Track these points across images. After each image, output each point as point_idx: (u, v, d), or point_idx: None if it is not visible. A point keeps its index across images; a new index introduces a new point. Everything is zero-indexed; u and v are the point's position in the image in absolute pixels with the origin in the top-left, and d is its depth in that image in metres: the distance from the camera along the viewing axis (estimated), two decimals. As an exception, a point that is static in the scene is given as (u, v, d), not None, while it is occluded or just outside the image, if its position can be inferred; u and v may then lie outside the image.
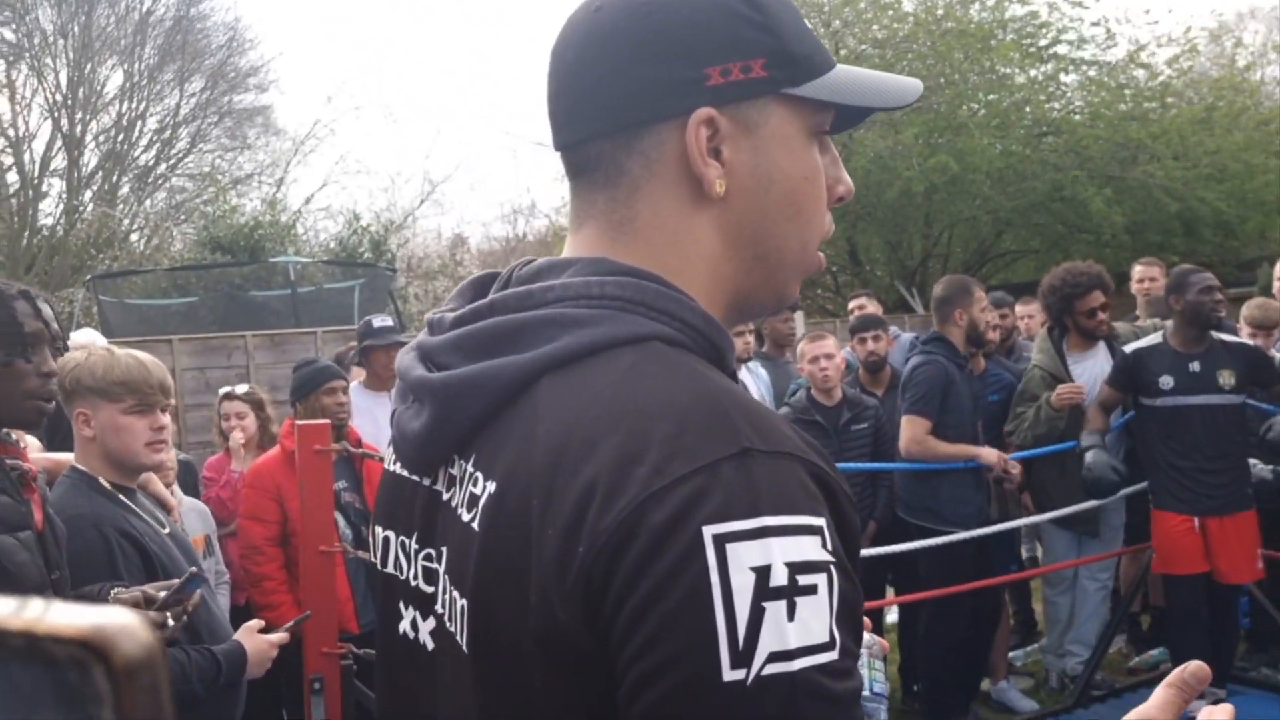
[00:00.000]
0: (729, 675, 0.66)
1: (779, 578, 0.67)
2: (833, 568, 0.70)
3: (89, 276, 13.58)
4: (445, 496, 0.87)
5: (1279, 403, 4.49)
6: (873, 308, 6.15)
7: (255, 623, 2.52)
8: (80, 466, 2.34)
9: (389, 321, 5.06)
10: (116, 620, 0.24)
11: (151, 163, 23.22)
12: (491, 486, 0.79)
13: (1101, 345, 4.81)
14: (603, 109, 0.86)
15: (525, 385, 0.80)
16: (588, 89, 0.87)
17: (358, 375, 5.76)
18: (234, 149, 24.34)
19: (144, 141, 23.16)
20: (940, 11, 14.67)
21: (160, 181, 23.22)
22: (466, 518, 0.81)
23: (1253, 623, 5.27)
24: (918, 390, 4.39)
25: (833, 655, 0.68)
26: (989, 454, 4.39)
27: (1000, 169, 13.55)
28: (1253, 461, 4.48)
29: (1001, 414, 4.86)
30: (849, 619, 0.71)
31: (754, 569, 0.67)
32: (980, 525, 4.43)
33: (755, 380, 5.29)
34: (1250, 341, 4.80)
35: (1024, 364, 5.07)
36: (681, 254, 0.87)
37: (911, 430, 4.37)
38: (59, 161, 21.32)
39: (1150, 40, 14.93)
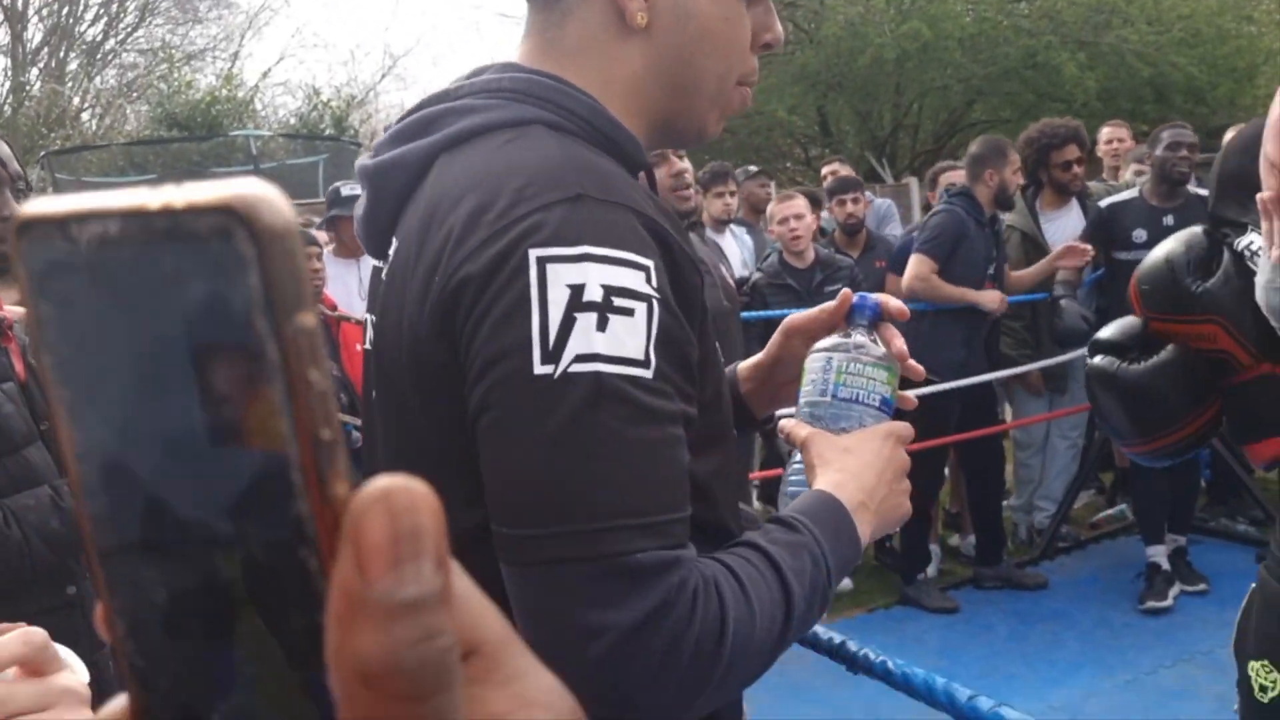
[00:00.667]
0: (539, 369, 0.79)
1: (592, 294, 0.80)
2: (655, 302, 0.83)
3: (43, 153, 13.24)
4: (384, 272, 1.00)
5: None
6: (845, 172, 6.13)
7: None
8: None
9: (358, 190, 4.97)
10: (255, 189, 0.24)
11: (99, 38, 22.41)
12: (396, 244, 0.96)
13: (1074, 204, 4.85)
14: None
15: (427, 165, 0.95)
16: None
17: (326, 244, 5.69)
18: (185, 22, 23.50)
19: (90, 15, 22.32)
20: None
21: (110, 58, 22.46)
22: (384, 272, 0.98)
23: (1213, 474, 5.44)
24: (930, 233, 4.45)
25: (645, 372, 0.81)
26: (990, 297, 4.42)
27: (973, 35, 13.34)
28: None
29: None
30: (674, 354, 0.84)
31: (570, 285, 0.80)
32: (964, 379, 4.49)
33: (739, 245, 5.29)
34: None
35: None
36: (604, 73, 0.98)
37: (917, 268, 4.40)
38: (1, 36, 20.54)
39: (1127, -100, 14.57)
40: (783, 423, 1.11)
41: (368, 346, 1.03)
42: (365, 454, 1.06)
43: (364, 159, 1.03)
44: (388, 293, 0.94)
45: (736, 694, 0.94)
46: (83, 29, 22.05)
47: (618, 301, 0.80)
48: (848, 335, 1.12)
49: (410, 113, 1.00)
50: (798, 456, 1.10)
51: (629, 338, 0.80)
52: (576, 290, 0.80)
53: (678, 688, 0.79)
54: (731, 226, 5.41)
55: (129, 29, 22.76)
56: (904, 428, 1.06)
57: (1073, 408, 4.97)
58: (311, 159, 12.23)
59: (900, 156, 16.07)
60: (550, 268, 0.80)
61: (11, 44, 20.46)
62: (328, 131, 14.94)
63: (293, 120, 17.15)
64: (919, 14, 12.98)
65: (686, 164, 3.70)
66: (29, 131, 17.06)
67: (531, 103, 0.94)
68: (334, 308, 4.17)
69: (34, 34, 21.40)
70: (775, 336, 1.21)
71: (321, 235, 5.07)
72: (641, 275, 0.82)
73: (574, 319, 0.80)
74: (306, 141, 13.42)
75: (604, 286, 0.80)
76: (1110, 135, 6.01)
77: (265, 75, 21.01)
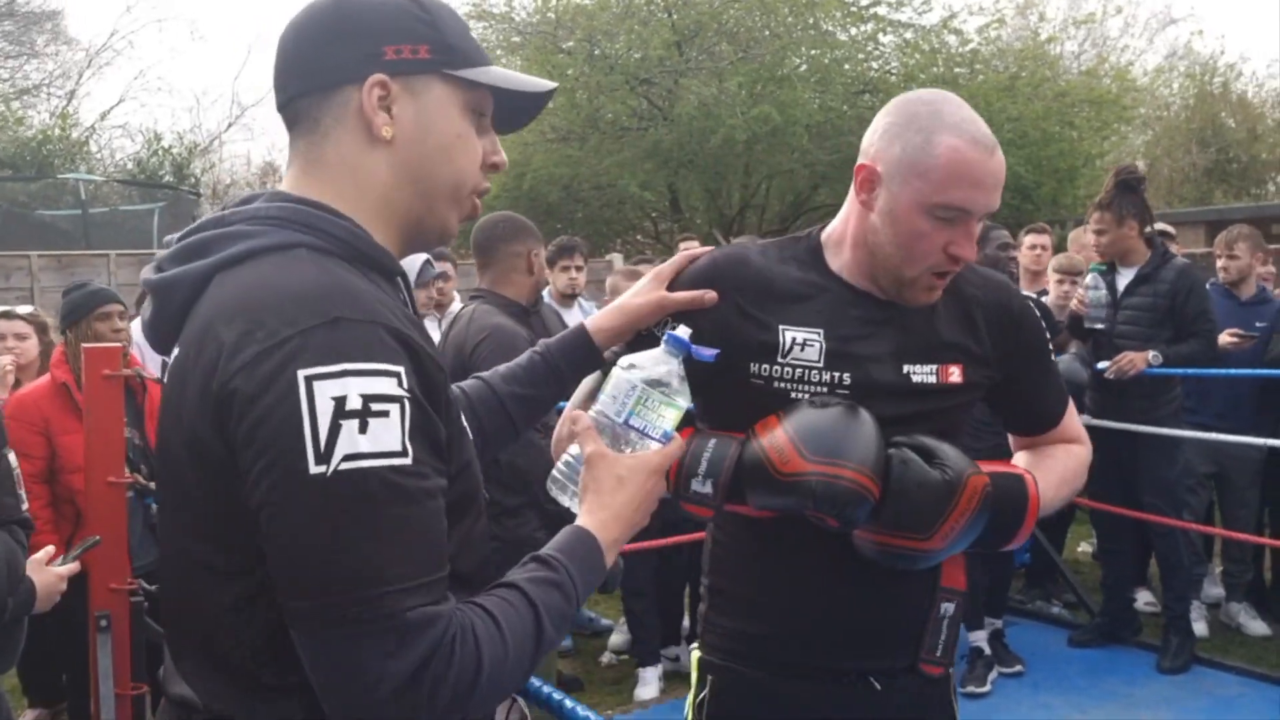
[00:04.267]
0: (314, 470, 0.96)
1: (353, 403, 0.97)
2: (406, 401, 1.00)
3: None
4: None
5: (1061, 352, 4.76)
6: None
7: (44, 552, 2.33)
8: None
9: None
10: None
11: (-76, 65, 21.19)
12: (176, 352, 1.11)
13: None
14: (306, 75, 1.16)
15: (205, 283, 1.09)
16: (297, 59, 1.17)
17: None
18: (18, 55, 22.44)
19: (-85, 41, 21.11)
20: (768, -36, 14.81)
21: (-67, 86, 21.22)
22: (168, 371, 1.13)
23: (1032, 559, 5.65)
24: None
25: (404, 460, 0.99)
26: None
27: (819, 123, 13.86)
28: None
29: None
30: (426, 440, 1.02)
31: (334, 398, 0.96)
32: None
33: (584, 316, 5.30)
34: (1060, 288, 5.16)
35: None
36: (357, 185, 1.16)
37: None
38: None
39: (962, 8, 15.54)
40: (575, 413, 1.42)
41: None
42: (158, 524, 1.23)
43: (148, 272, 1.17)
44: (168, 390, 1.11)
45: (494, 706, 1.16)
46: (-96, 55, 20.83)
47: (375, 406, 0.98)
48: (663, 365, 1.34)
49: (189, 233, 1.16)
50: (576, 450, 1.31)
51: (386, 434, 0.98)
52: (339, 401, 0.97)
53: (444, 713, 1.00)
54: (580, 300, 5.40)
55: (-44, 59, 21.62)
56: (667, 459, 1.31)
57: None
58: (147, 206, 11.72)
59: (747, 234, 16.48)
60: (316, 384, 0.97)
61: None
62: (167, 179, 14.40)
63: (130, 165, 16.47)
64: (770, 99, 13.43)
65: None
66: None
67: (294, 229, 1.10)
68: (143, 368, 3.95)
69: None
70: (650, 285, 1.65)
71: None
72: (393, 380, 1.00)
73: (339, 425, 0.96)
74: (143, 189, 12.87)
75: (362, 395, 0.98)
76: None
77: (104, 117, 20.11)
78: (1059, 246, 7.89)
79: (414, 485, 0.99)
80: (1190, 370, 4.63)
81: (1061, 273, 5.32)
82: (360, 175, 1.16)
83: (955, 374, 1.63)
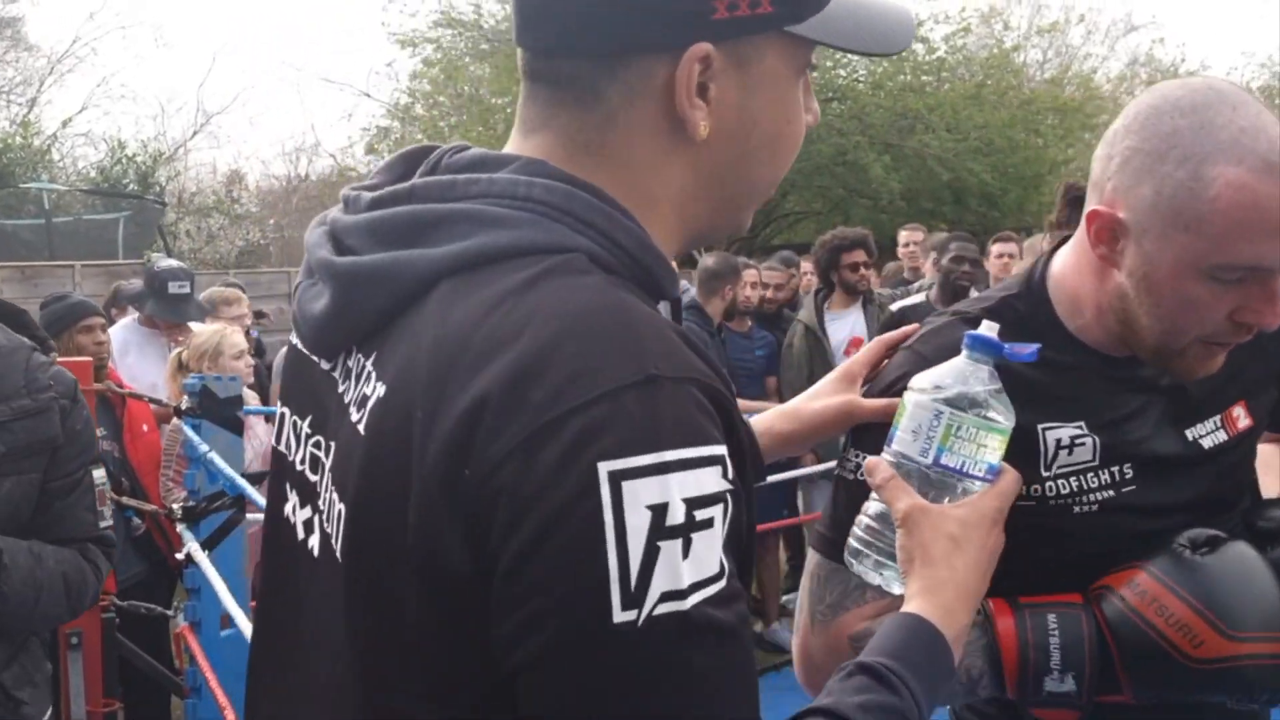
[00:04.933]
0: (620, 617, 0.63)
1: (676, 515, 0.64)
2: (729, 496, 0.68)
3: None
4: (340, 389, 0.81)
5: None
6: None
7: None
8: None
9: (185, 289, 4.61)
10: None
11: (-118, 72, 20.89)
12: (381, 390, 0.74)
13: (859, 306, 5.18)
14: (589, 27, 0.78)
15: (431, 283, 0.74)
16: (574, 3, 0.78)
17: (124, 312, 5.38)
18: (-20, 63, 22.17)
19: (-127, 48, 20.80)
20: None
21: (-109, 93, 20.92)
22: (355, 418, 0.76)
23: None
24: None
25: (722, 584, 0.66)
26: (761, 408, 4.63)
27: (787, 131, 13.96)
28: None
29: (767, 368, 5.33)
30: (738, 546, 0.70)
31: (650, 507, 0.64)
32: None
33: None
34: None
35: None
36: (646, 190, 0.81)
37: None
38: None
39: (928, 17, 15.63)
40: (871, 462, 1.01)
41: (310, 474, 0.85)
42: (280, 595, 0.88)
43: (323, 251, 0.82)
44: (371, 447, 0.74)
45: None
46: None
47: (699, 515, 0.65)
48: (974, 381, 0.98)
49: (393, 195, 0.81)
50: (878, 505, 1.00)
51: (708, 554, 0.66)
52: (659, 512, 0.64)
53: None
54: None
55: (-85, 65, 21.32)
56: (1007, 498, 0.97)
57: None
58: (112, 216, 11.58)
59: (716, 242, 16.51)
60: (627, 486, 0.63)
61: None
62: (131, 187, 14.25)
63: (93, 174, 16.30)
64: (738, 107, 13.50)
65: None
66: None
67: (571, 224, 0.75)
68: (121, 384, 3.91)
69: None
70: (835, 385, 1.25)
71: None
72: (718, 470, 0.67)
73: (658, 549, 0.64)
74: (107, 198, 12.74)
75: (686, 501, 0.65)
76: (906, 239, 6.43)
77: (66, 124, 19.89)
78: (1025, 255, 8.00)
79: (727, 618, 0.67)
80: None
81: None
82: (652, 180, 0.82)
83: (1242, 416, 1.26)
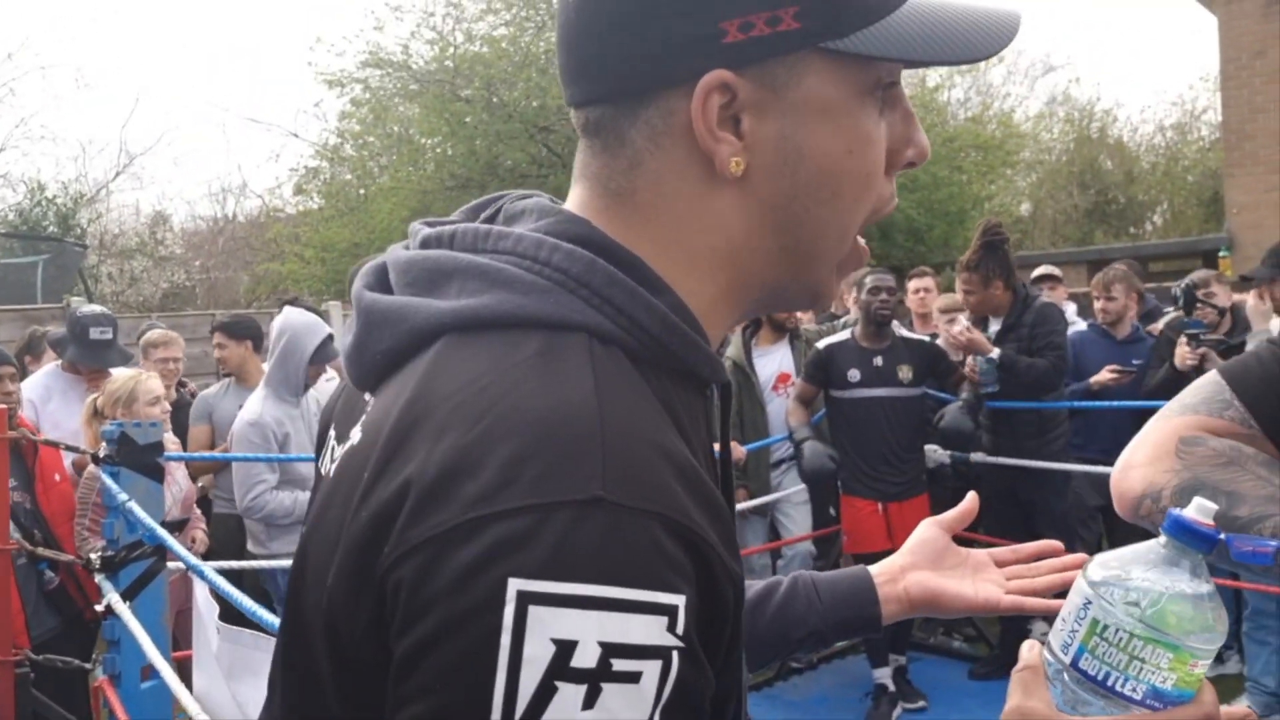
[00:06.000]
0: None
1: (585, 658, 0.57)
2: (675, 654, 0.59)
3: None
4: (353, 423, 0.76)
5: (957, 393, 4.91)
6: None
7: None
8: None
9: (107, 334, 4.54)
10: None
11: None
12: (357, 437, 0.71)
13: (785, 342, 5.25)
14: (604, 71, 0.74)
15: (430, 336, 0.70)
16: (588, 47, 0.74)
17: (40, 360, 5.27)
18: (-108, 104, 21.64)
19: None
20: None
21: None
22: (339, 452, 0.74)
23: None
24: None
25: None
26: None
27: (717, 170, 14.10)
28: (932, 448, 4.88)
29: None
30: (686, 710, 0.60)
31: (555, 640, 0.56)
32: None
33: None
34: (951, 328, 5.31)
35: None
36: (687, 242, 0.75)
37: None
38: None
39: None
40: (1029, 648, 0.84)
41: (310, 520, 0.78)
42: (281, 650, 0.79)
43: (360, 284, 0.78)
44: (329, 491, 0.71)
45: None
46: None
47: (618, 665, 0.57)
48: (1151, 564, 0.77)
49: (435, 235, 0.78)
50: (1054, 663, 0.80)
51: (626, 713, 0.57)
52: (564, 649, 0.57)
53: None
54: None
55: None
56: None
57: (792, 538, 5.25)
58: (30, 259, 11.31)
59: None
60: (533, 611, 0.57)
61: None
62: (51, 230, 13.96)
63: (11, 216, 15.93)
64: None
65: None
66: None
67: (586, 296, 0.69)
68: (35, 431, 3.81)
69: None
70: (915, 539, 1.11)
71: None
72: (661, 621, 0.59)
73: (553, 689, 0.57)
74: (26, 240, 12.45)
75: (603, 645, 0.57)
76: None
77: (-16, 166, 19.47)
78: (949, 286, 8.15)
79: None
80: (1073, 404, 4.88)
81: (949, 312, 5.49)
82: (691, 226, 0.75)
83: None
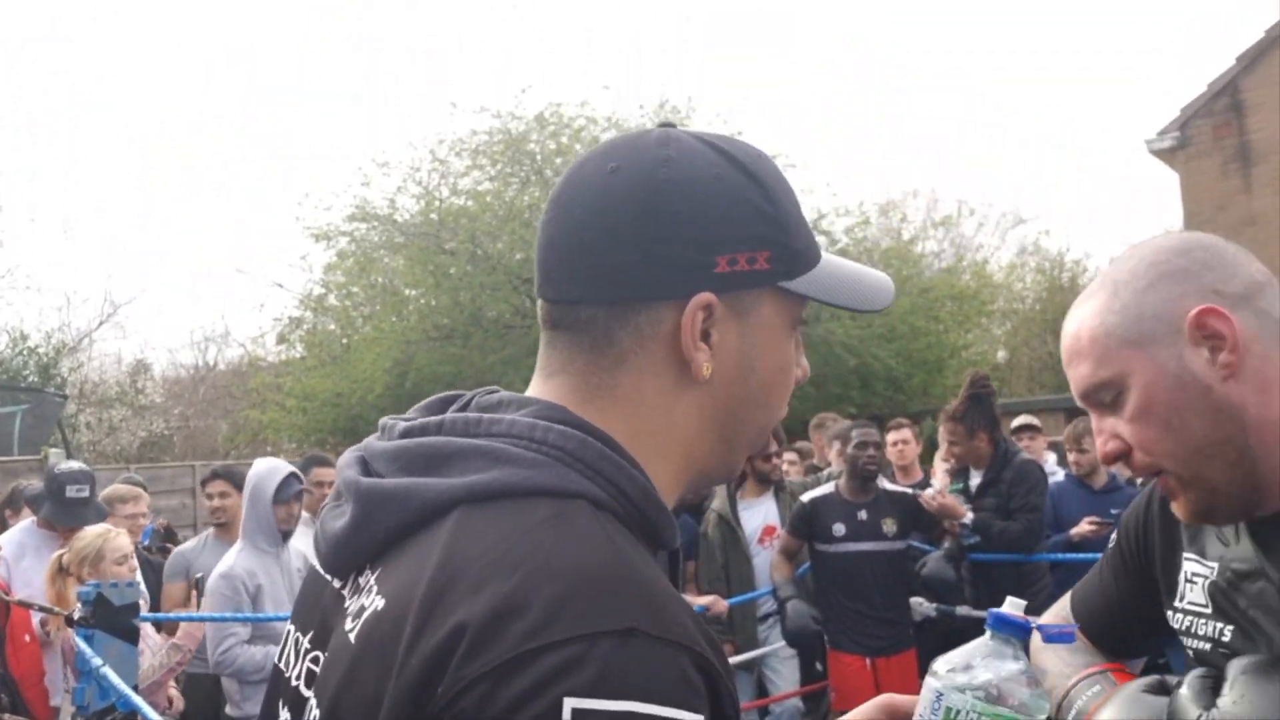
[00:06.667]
0: None
1: None
2: None
3: None
4: (345, 604, 0.83)
5: (939, 543, 4.89)
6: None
7: None
8: None
9: (84, 492, 4.52)
10: None
11: None
12: (380, 603, 0.77)
13: (770, 495, 5.24)
14: (604, 276, 0.85)
15: (443, 509, 0.78)
16: (591, 251, 0.85)
17: (19, 515, 5.20)
18: (-121, 255, 21.84)
19: None
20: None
21: None
22: (349, 627, 0.80)
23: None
24: None
25: None
26: (710, 601, 4.81)
27: (700, 319, 14.32)
28: (918, 601, 4.82)
29: (686, 554, 5.28)
30: None
31: None
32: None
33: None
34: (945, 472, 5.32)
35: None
36: (656, 432, 0.87)
37: None
38: None
39: (830, 210, 16.46)
40: None
41: (305, 690, 0.86)
42: None
43: (352, 471, 0.86)
44: (358, 654, 0.77)
45: None
46: None
47: None
48: (980, 656, 0.93)
49: (422, 425, 0.87)
50: None
51: None
52: None
53: None
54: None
55: None
56: None
57: (781, 694, 5.14)
58: (9, 409, 11.26)
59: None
60: None
61: None
62: (31, 379, 13.95)
63: (-8, 365, 15.96)
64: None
65: None
66: None
67: (581, 470, 0.80)
68: (7, 591, 3.73)
69: None
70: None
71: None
72: None
73: None
74: (5, 390, 12.42)
75: None
76: (816, 422, 6.56)
77: (-34, 317, 19.58)
78: (930, 435, 8.21)
79: None
80: (1055, 556, 4.86)
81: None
82: (663, 420, 0.87)
83: None
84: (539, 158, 15.32)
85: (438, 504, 0.78)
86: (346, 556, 0.84)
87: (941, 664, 0.94)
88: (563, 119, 15.63)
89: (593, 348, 0.87)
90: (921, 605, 4.84)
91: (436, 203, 15.68)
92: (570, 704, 0.65)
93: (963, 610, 4.72)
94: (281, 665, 0.93)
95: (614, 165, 0.87)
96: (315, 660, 0.86)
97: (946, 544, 4.79)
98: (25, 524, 4.77)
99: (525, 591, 0.70)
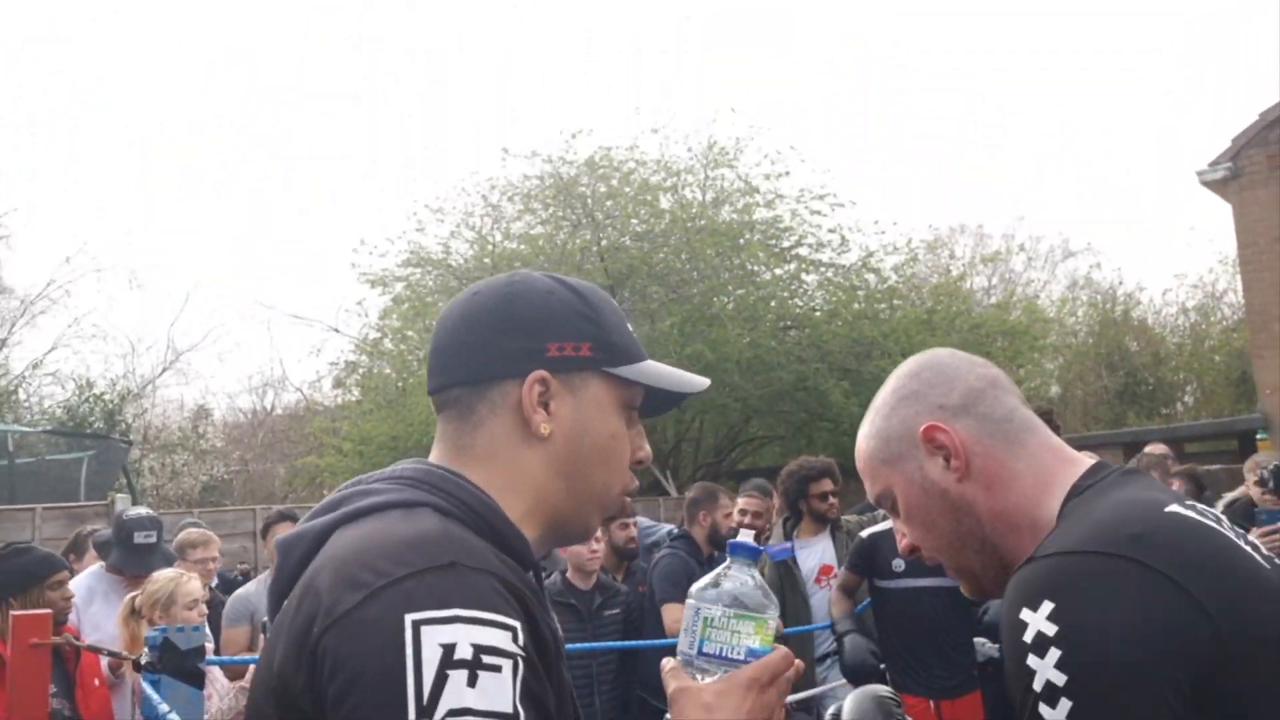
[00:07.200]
0: None
1: (463, 653, 0.89)
2: (520, 661, 0.92)
3: None
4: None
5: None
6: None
7: None
8: None
9: (151, 538, 4.61)
10: None
11: None
12: (288, 602, 1.03)
13: (827, 534, 5.20)
14: (467, 364, 1.15)
15: (327, 534, 1.06)
16: (459, 348, 1.16)
17: (82, 560, 5.30)
18: (-48, 306, 22.48)
19: None
20: (694, 210, 15.65)
21: None
22: (269, 634, 1.05)
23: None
24: (669, 579, 4.64)
25: None
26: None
27: (749, 359, 14.31)
28: (981, 641, 4.75)
29: None
30: (535, 706, 0.93)
31: (442, 645, 0.89)
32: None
33: None
34: None
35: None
36: (509, 478, 1.13)
37: (673, 616, 4.45)
38: None
39: (879, 248, 16.41)
40: (665, 661, 1.18)
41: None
42: None
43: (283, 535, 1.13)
44: (266, 645, 1.04)
45: None
46: None
47: (486, 659, 0.90)
48: (724, 576, 1.18)
49: (333, 495, 1.14)
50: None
51: (497, 693, 0.89)
52: (448, 649, 0.89)
53: None
54: None
55: (-113, 310, 21.56)
56: (765, 670, 1.12)
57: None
58: (75, 455, 11.51)
59: (683, 468, 16.60)
60: (425, 630, 0.90)
61: None
62: (97, 425, 14.26)
63: (59, 412, 16.31)
64: (701, 338, 13.89)
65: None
66: None
67: (425, 490, 1.07)
68: (77, 636, 3.82)
69: None
70: None
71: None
72: (507, 635, 0.92)
73: (446, 676, 0.88)
74: (72, 437, 12.70)
75: (474, 645, 0.90)
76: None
77: (35, 366, 20.05)
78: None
79: None
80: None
81: None
82: (513, 469, 1.14)
83: None
84: (589, 201, 15.48)
85: (325, 530, 1.06)
86: (276, 600, 1.08)
87: (697, 589, 1.18)
88: (613, 162, 15.80)
89: (459, 418, 1.15)
90: (985, 646, 4.76)
91: (490, 247, 15.88)
92: (410, 618, 0.90)
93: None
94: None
95: (475, 291, 1.20)
96: None
97: (1009, 583, 4.73)
98: (94, 569, 4.87)
99: (374, 556, 0.96)
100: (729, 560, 1.20)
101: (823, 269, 16.20)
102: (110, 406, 15.29)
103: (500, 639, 0.92)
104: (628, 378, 1.18)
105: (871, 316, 15.51)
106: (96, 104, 40.39)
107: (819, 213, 15.65)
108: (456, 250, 16.26)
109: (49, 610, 3.47)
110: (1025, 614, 1.09)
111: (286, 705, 0.95)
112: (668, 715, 1.14)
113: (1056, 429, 4.83)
